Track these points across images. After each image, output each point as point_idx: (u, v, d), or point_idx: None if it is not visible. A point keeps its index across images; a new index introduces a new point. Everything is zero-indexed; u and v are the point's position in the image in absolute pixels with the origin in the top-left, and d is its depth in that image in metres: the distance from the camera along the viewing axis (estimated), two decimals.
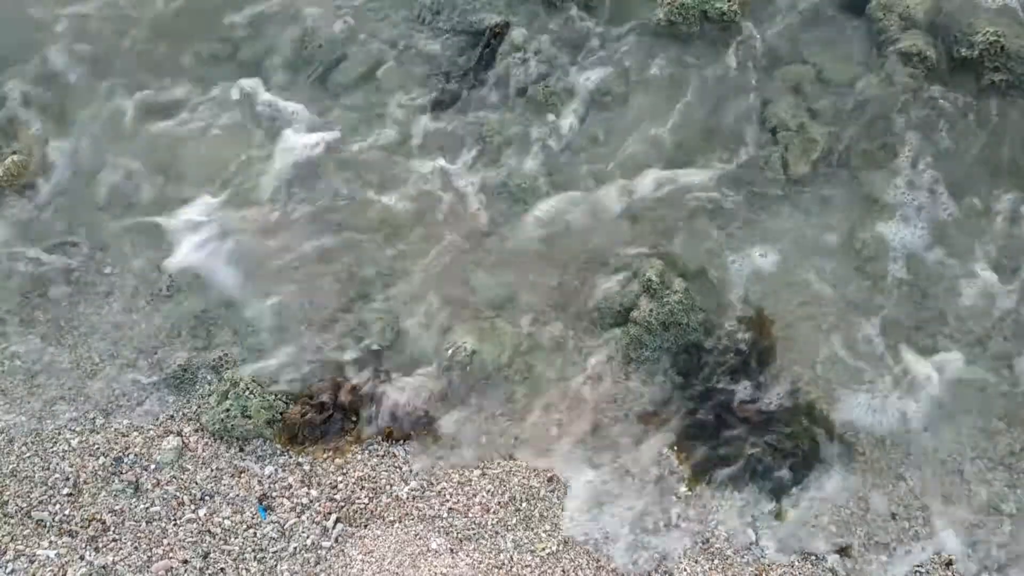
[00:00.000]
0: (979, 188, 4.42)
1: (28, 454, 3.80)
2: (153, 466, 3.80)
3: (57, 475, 3.75)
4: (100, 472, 3.76)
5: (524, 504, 3.73)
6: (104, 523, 3.64)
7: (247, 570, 3.55)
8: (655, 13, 4.70)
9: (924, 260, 4.28)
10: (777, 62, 4.67)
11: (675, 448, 3.86)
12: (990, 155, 4.49)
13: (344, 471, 3.82)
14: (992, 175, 4.45)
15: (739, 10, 4.63)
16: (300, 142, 4.49)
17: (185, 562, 3.56)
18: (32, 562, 3.52)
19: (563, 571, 3.54)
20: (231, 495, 3.75)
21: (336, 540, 3.64)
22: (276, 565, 3.56)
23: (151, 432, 3.89)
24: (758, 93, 4.60)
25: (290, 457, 3.86)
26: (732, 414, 3.93)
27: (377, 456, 3.87)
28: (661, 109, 4.60)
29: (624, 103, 4.62)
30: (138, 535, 3.63)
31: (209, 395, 3.96)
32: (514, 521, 3.69)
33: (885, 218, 4.35)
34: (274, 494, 3.76)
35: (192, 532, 3.64)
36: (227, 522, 3.68)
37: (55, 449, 3.82)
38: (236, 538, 3.64)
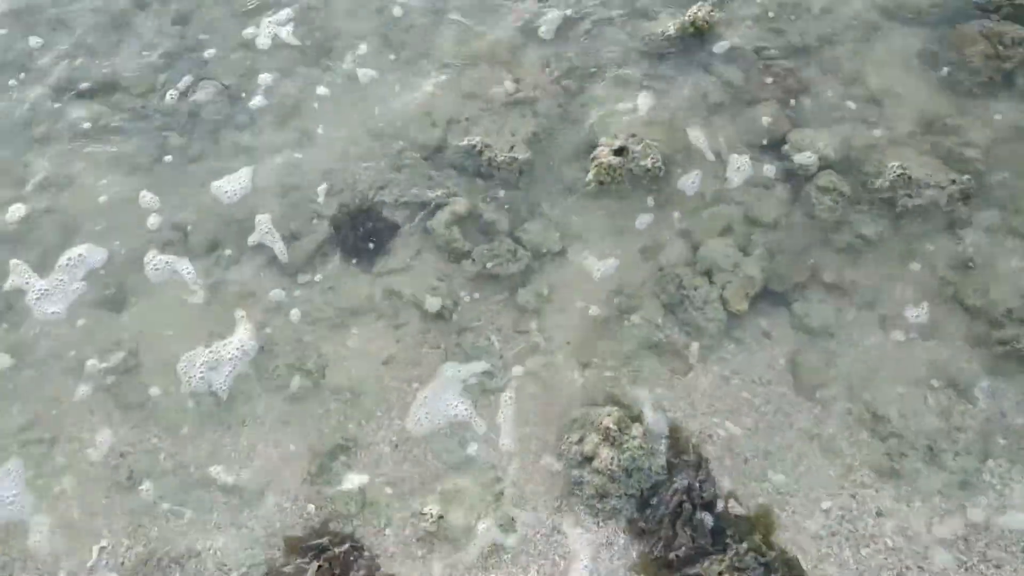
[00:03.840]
0: (907, 308, 4.63)
1: None
2: None
3: None
4: None
5: None
6: None
7: None
8: (585, 175, 5.01)
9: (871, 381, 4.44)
10: (704, 206, 4.94)
11: None
12: (916, 275, 4.72)
13: None
14: (921, 294, 4.66)
15: (662, 165, 4.95)
16: None
17: None
18: None
19: None
20: None
21: None
22: None
23: None
24: (689, 238, 4.84)
25: None
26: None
27: None
28: (600, 262, 4.81)
29: (564, 259, 4.83)
30: None
31: None
32: None
33: (825, 345, 4.54)
34: None
35: None
36: None
37: None
38: None
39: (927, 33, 5.63)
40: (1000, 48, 5.45)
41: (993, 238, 4.80)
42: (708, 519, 4.00)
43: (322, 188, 5.08)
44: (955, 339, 4.54)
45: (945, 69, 5.46)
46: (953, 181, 4.84)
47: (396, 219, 4.98)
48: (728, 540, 3.94)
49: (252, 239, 4.92)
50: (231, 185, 5.09)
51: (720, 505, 4.06)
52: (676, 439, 4.25)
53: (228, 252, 4.91)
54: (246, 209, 5.02)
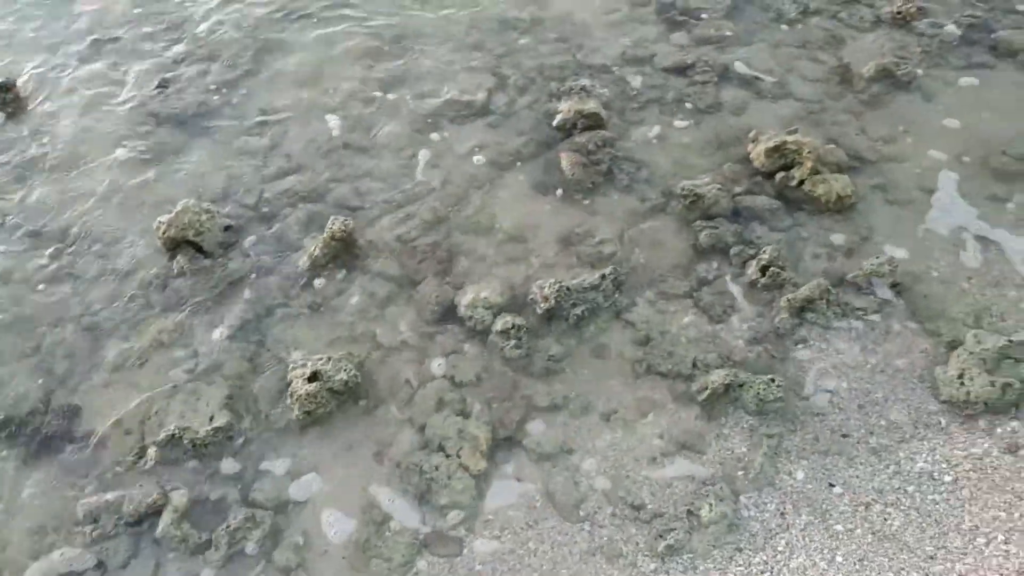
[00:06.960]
0: (603, 397, 5.05)
1: None
2: None
3: None
4: None
5: None
6: None
7: None
8: (291, 413, 5.03)
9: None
10: (412, 392, 5.13)
11: None
12: (612, 366, 5.18)
13: None
14: (623, 380, 5.12)
15: (357, 373, 5.10)
16: None
17: None
18: None
19: None
20: None
21: None
22: None
23: None
24: (412, 425, 4.98)
25: None
26: None
27: None
28: (341, 487, 4.79)
29: (306, 502, 4.75)
30: None
31: None
32: None
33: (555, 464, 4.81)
34: None
35: None
36: None
37: None
38: None
39: (530, 167, 6.42)
40: (589, 156, 6.33)
41: (654, 308, 5.42)
42: None
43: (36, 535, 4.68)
44: (666, 405, 5.00)
45: (558, 190, 6.22)
46: (603, 276, 5.43)
47: (122, 546, 4.66)
48: None
49: None
50: None
51: None
52: None
53: None
54: None
